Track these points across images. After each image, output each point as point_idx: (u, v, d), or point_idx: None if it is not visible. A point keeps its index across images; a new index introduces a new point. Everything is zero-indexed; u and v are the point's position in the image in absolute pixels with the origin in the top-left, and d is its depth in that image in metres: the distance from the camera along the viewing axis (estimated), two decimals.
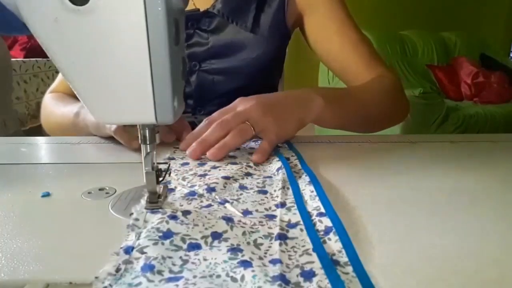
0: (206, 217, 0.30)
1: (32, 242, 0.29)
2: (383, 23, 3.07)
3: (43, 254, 0.27)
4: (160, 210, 0.31)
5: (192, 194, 0.36)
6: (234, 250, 0.26)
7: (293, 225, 0.30)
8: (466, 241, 0.29)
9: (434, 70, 2.75)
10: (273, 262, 0.25)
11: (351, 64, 0.68)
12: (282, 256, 0.26)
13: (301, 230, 0.29)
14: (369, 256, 0.26)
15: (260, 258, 0.25)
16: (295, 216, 0.32)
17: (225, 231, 0.29)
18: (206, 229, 0.29)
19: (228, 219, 0.30)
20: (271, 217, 0.32)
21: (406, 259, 0.26)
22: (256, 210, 0.33)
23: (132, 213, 0.31)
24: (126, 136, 0.51)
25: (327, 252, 0.26)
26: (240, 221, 0.31)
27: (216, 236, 0.28)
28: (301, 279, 0.23)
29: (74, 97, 0.71)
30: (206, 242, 0.27)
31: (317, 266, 0.24)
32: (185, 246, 0.26)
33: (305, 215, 0.32)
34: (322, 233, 0.29)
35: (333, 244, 0.27)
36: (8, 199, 0.37)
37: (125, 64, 0.28)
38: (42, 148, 0.57)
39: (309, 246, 0.27)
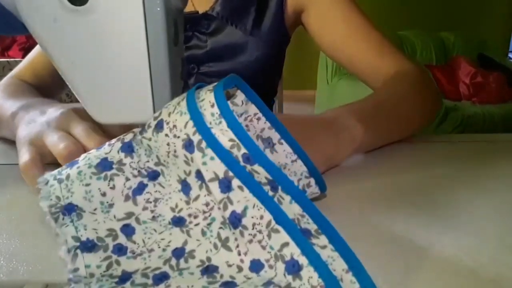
0: (155, 230, 0.25)
1: (31, 243, 0.29)
2: (381, 24, 3.06)
3: (42, 254, 0.27)
4: (95, 242, 0.24)
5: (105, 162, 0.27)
6: (208, 270, 0.23)
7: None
8: (465, 241, 0.29)
9: (432, 70, 2.76)
10: (254, 267, 0.22)
11: (360, 52, 0.62)
12: (255, 250, 0.22)
13: (241, 189, 0.23)
14: (368, 256, 0.26)
15: (240, 269, 0.22)
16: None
17: (185, 242, 0.24)
18: (164, 250, 0.24)
19: (178, 221, 0.25)
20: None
21: (405, 259, 0.26)
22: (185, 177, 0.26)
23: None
24: (31, 176, 0.35)
25: (290, 219, 0.22)
26: (190, 215, 0.25)
27: (179, 254, 0.24)
28: (289, 278, 0.21)
29: (37, 89, 0.61)
30: (171, 267, 0.23)
31: (295, 251, 0.21)
32: (150, 282, 0.22)
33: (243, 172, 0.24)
34: (268, 188, 0.24)
35: (290, 206, 0.23)
36: (8, 199, 0.37)
37: (124, 64, 0.28)
38: None
39: (268, 216, 0.22)
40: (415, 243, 0.28)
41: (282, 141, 0.30)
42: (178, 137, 0.25)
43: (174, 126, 0.25)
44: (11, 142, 0.58)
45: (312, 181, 0.31)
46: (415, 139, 0.58)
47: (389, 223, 0.32)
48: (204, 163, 0.24)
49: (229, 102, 0.28)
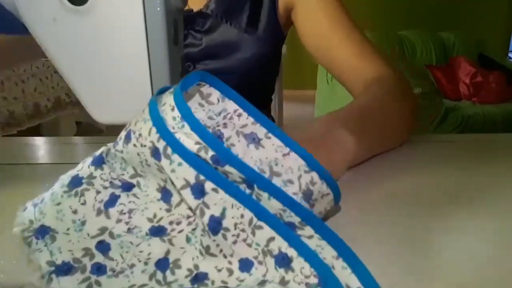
0: (132, 243, 0.24)
1: None
2: (382, 24, 3.08)
3: None
4: (72, 263, 0.22)
5: (77, 181, 0.27)
6: (198, 279, 0.21)
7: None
8: (465, 241, 0.29)
9: (432, 70, 2.76)
10: (244, 267, 0.21)
11: (340, 53, 0.62)
12: (242, 249, 0.22)
13: (216, 191, 0.22)
14: (368, 256, 0.26)
15: (230, 272, 0.22)
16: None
17: (167, 252, 0.23)
18: (146, 263, 0.22)
19: (158, 231, 0.24)
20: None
21: (405, 258, 0.26)
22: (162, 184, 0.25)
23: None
24: None
25: (272, 214, 0.22)
26: (171, 222, 0.24)
27: (163, 265, 0.22)
28: (281, 271, 0.20)
29: None
30: (158, 282, 0.22)
31: (282, 244, 0.21)
32: None
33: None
34: (244, 187, 0.23)
35: (269, 202, 0.23)
36: (7, 199, 0.37)
37: (124, 64, 0.28)
38: (41, 148, 0.57)
39: (249, 214, 0.22)
40: (415, 243, 0.28)
41: (270, 134, 0.27)
42: (145, 145, 0.23)
43: (140, 134, 0.24)
44: (11, 142, 0.58)
45: (315, 175, 0.27)
46: (415, 139, 0.58)
47: (389, 223, 0.32)
48: (173, 171, 0.22)
49: (204, 101, 0.27)
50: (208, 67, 0.68)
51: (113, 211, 0.25)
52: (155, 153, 0.23)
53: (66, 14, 0.26)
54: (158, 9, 0.26)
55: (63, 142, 0.58)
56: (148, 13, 0.26)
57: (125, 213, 0.25)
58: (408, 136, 0.55)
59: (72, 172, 0.27)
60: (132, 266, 0.22)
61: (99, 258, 0.23)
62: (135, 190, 0.26)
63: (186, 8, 0.66)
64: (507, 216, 0.32)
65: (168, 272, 0.22)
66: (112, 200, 0.25)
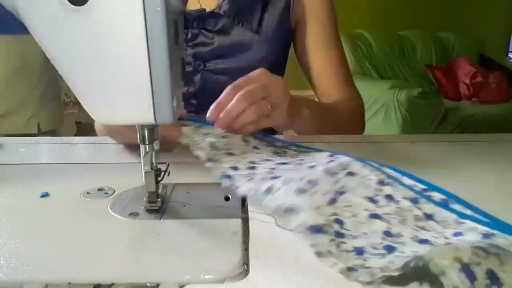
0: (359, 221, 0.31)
1: (31, 242, 0.29)
2: (382, 24, 3.07)
3: (42, 254, 0.27)
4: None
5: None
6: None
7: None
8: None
9: (432, 70, 2.76)
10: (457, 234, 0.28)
11: (326, 82, 0.73)
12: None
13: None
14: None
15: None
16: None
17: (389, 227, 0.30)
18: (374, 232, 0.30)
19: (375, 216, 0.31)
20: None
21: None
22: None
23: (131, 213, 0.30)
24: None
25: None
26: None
27: (387, 234, 0.29)
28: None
29: None
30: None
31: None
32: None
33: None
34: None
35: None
36: (7, 199, 0.37)
37: (124, 64, 0.28)
38: (41, 148, 0.57)
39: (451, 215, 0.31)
40: None
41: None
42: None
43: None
44: (11, 143, 0.58)
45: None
46: (415, 139, 0.58)
47: None
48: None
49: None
50: (219, 66, 0.68)
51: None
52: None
53: (66, 14, 0.26)
54: (158, 9, 0.26)
55: (63, 142, 0.58)
56: (148, 13, 0.26)
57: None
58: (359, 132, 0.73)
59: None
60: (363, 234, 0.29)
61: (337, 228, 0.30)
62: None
63: (198, 8, 0.68)
64: (506, 216, 0.32)
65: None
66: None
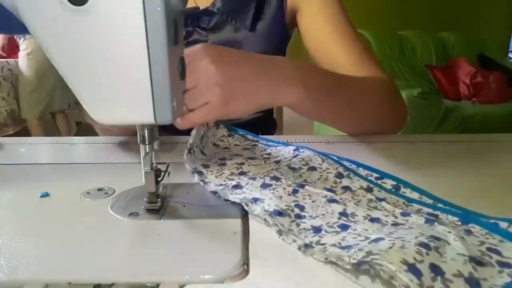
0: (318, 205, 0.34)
1: (31, 242, 0.29)
2: (382, 23, 3.07)
3: (42, 254, 0.27)
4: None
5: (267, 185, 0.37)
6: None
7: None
8: None
9: (432, 70, 2.76)
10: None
11: (340, 57, 0.62)
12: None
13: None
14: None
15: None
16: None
17: (344, 209, 0.33)
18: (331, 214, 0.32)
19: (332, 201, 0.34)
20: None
21: None
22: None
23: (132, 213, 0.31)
24: None
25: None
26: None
27: (343, 214, 0.32)
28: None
29: None
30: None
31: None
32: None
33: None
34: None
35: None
36: (7, 199, 0.37)
37: (124, 64, 0.28)
38: (41, 148, 0.57)
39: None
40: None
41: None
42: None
43: None
44: (10, 143, 0.58)
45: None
46: (415, 139, 0.58)
47: None
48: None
49: None
50: None
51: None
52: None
53: (66, 14, 0.26)
54: (158, 9, 0.26)
55: (63, 142, 0.58)
56: (148, 13, 0.26)
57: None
58: (391, 131, 0.61)
59: None
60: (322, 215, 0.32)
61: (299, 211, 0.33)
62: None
63: (193, 6, 0.67)
64: (508, 216, 0.32)
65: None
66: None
